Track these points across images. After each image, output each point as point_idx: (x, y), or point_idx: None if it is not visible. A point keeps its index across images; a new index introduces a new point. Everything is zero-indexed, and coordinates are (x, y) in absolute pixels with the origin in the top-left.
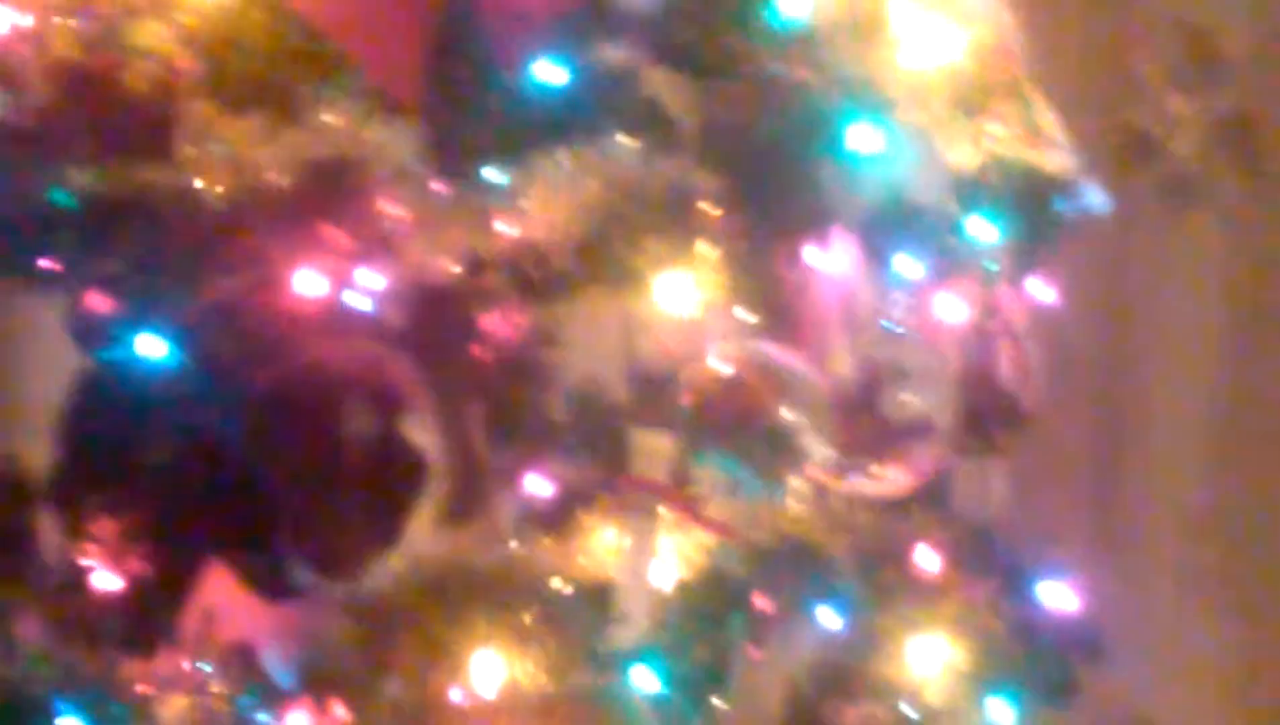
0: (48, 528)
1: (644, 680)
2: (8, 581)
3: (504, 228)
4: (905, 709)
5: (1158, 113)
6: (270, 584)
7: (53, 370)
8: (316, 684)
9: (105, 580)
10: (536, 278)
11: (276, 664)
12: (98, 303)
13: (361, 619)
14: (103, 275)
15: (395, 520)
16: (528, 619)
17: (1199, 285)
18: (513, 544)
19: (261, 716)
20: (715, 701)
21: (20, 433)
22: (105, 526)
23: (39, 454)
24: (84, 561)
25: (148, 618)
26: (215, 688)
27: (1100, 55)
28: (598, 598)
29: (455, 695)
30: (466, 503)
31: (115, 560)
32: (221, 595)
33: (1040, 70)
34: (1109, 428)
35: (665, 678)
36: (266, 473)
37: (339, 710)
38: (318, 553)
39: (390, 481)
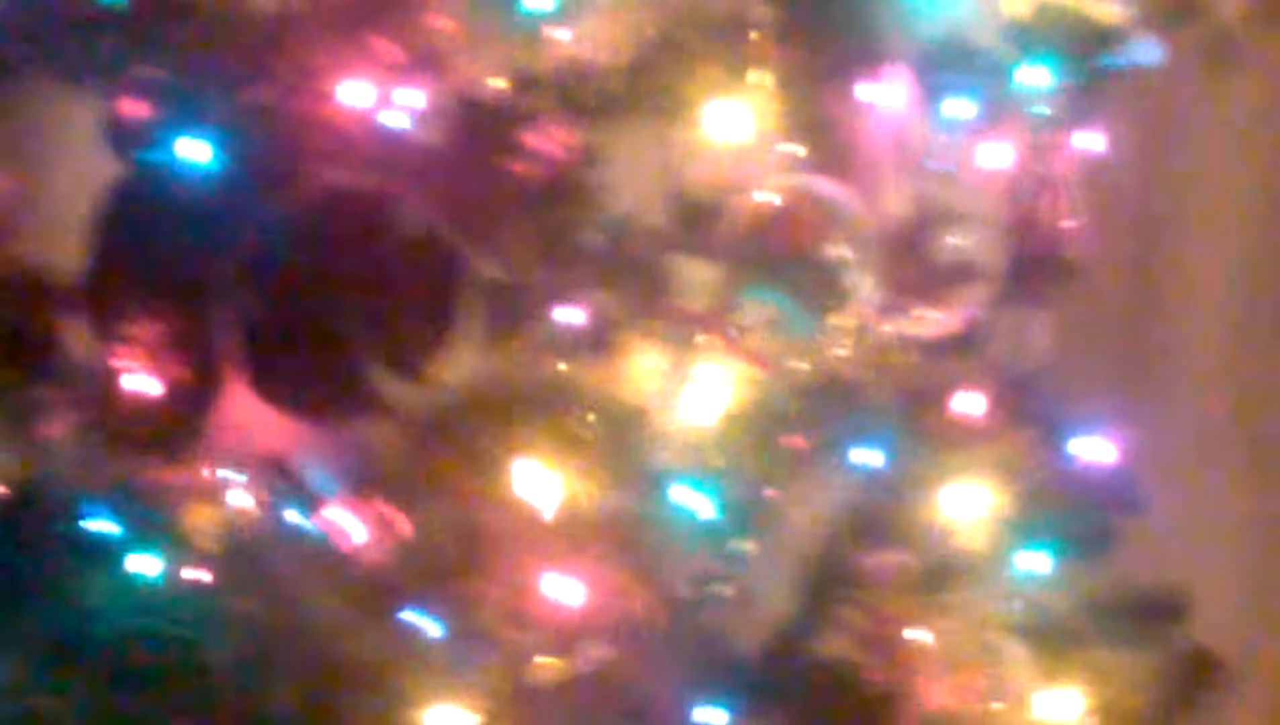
0: (77, 330)
1: (685, 501)
2: (35, 382)
3: (554, 46)
4: (936, 555)
5: None
6: (303, 395)
7: (85, 173)
8: (361, 488)
9: (138, 383)
10: (585, 98)
11: (315, 473)
12: (136, 106)
13: (408, 429)
14: (144, 79)
15: (444, 320)
16: (574, 433)
17: (1239, 145)
18: (554, 364)
19: (297, 519)
20: (746, 538)
21: (52, 236)
22: (142, 330)
23: (70, 257)
24: (117, 364)
25: (179, 423)
26: (246, 494)
27: None
28: (637, 420)
29: (501, 508)
30: (507, 322)
31: (150, 364)
32: (254, 406)
33: None
34: (1149, 280)
35: (707, 499)
36: (307, 279)
37: (388, 513)
38: (376, 350)
39: (434, 286)
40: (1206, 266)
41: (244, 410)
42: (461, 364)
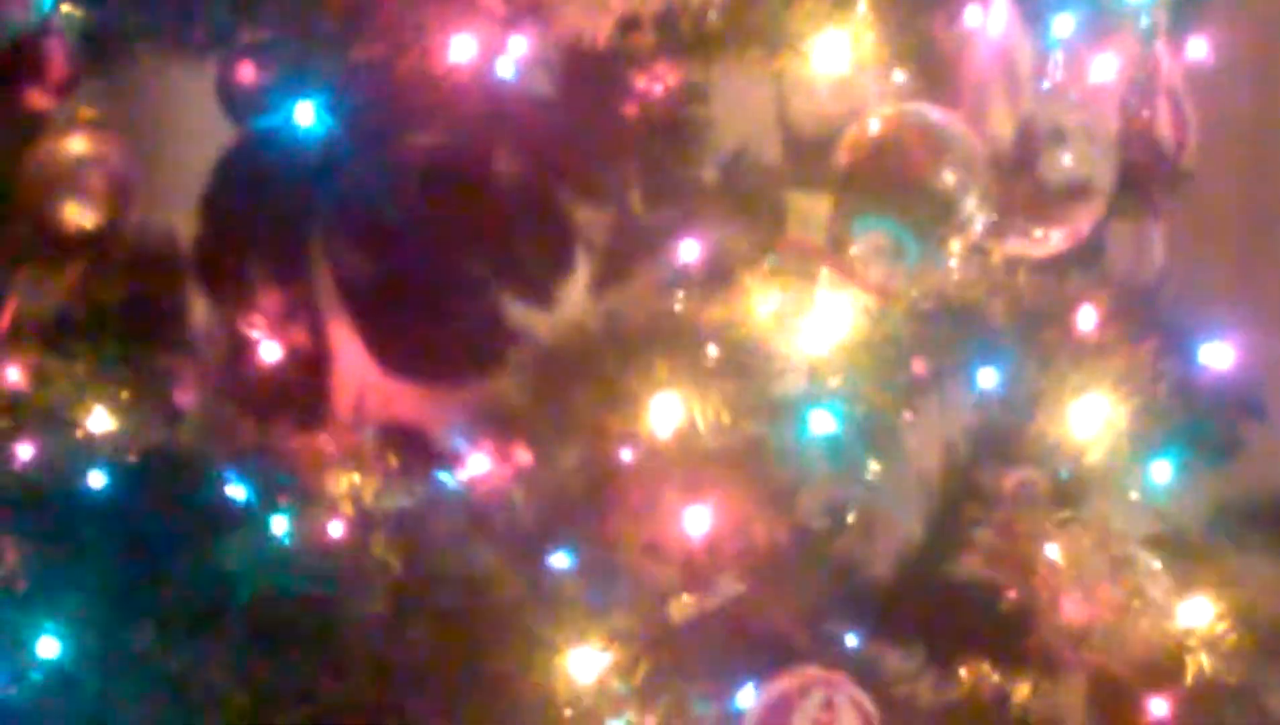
0: (201, 298)
1: (818, 427)
2: (162, 350)
3: None
4: (1064, 471)
5: None
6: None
7: (204, 141)
8: (496, 432)
9: (268, 351)
10: (690, 36)
11: (445, 428)
12: (248, 72)
13: (532, 372)
14: (254, 44)
15: (564, 250)
16: (704, 363)
17: None
18: (674, 299)
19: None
20: (873, 463)
21: (174, 205)
22: (261, 296)
23: (190, 226)
24: (240, 330)
25: (305, 388)
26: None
27: None
28: (762, 351)
29: (630, 443)
30: (626, 260)
31: (272, 330)
32: (378, 368)
33: None
34: (1264, 187)
35: (833, 424)
36: (424, 231)
37: (522, 454)
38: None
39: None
40: None
41: (366, 372)
42: (582, 303)
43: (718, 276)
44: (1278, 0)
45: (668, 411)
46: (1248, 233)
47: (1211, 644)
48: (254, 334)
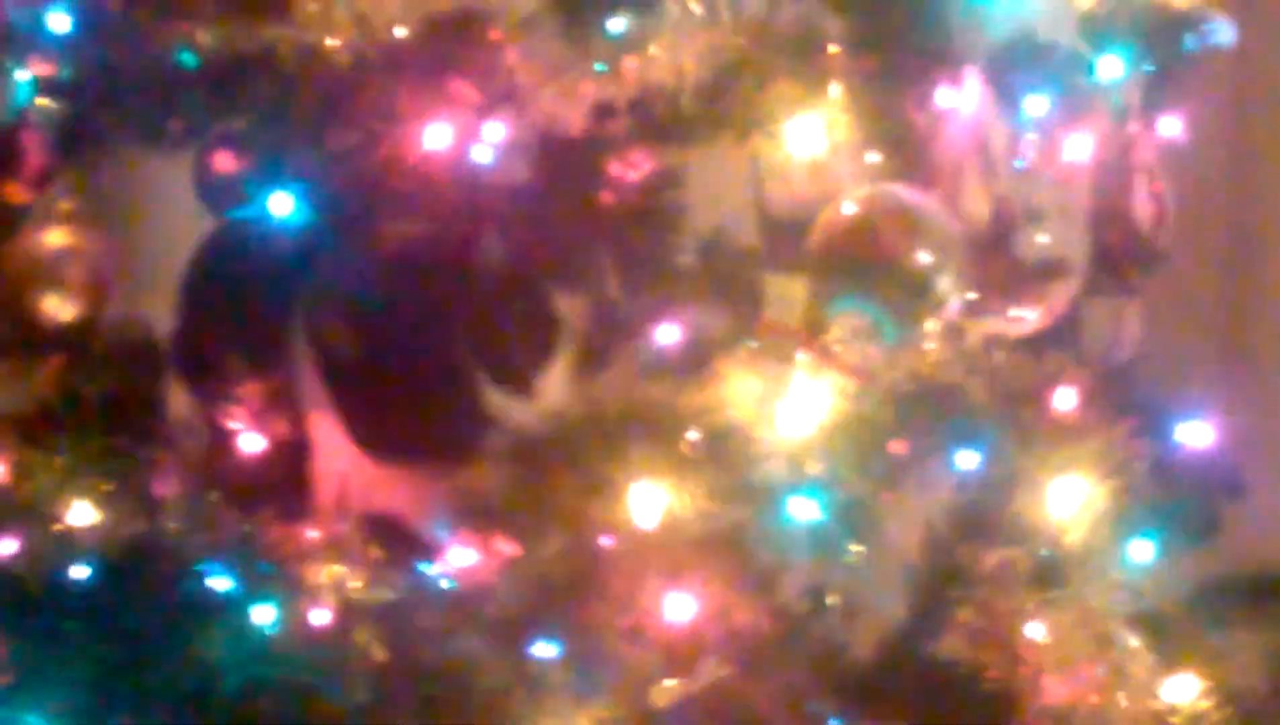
0: (179, 389)
1: (799, 512)
2: (142, 442)
3: (631, 73)
4: (1044, 551)
5: None
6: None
7: (182, 232)
8: (477, 523)
9: (249, 442)
10: (664, 123)
11: (426, 518)
12: (225, 162)
13: (513, 460)
14: (230, 134)
15: (544, 339)
16: (684, 450)
17: None
18: (653, 385)
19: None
20: (854, 546)
21: (152, 296)
22: (240, 387)
23: (169, 316)
24: (220, 421)
25: (286, 479)
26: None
27: None
28: (741, 437)
29: (611, 530)
30: (604, 346)
31: (252, 420)
32: (357, 457)
33: None
34: (1240, 264)
35: (820, 510)
36: (404, 319)
37: (503, 546)
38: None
39: (528, 315)
40: None
41: (347, 462)
42: (561, 390)
43: (696, 361)
44: (1251, 77)
45: (648, 498)
46: (1225, 311)
47: (1195, 721)
48: (234, 425)
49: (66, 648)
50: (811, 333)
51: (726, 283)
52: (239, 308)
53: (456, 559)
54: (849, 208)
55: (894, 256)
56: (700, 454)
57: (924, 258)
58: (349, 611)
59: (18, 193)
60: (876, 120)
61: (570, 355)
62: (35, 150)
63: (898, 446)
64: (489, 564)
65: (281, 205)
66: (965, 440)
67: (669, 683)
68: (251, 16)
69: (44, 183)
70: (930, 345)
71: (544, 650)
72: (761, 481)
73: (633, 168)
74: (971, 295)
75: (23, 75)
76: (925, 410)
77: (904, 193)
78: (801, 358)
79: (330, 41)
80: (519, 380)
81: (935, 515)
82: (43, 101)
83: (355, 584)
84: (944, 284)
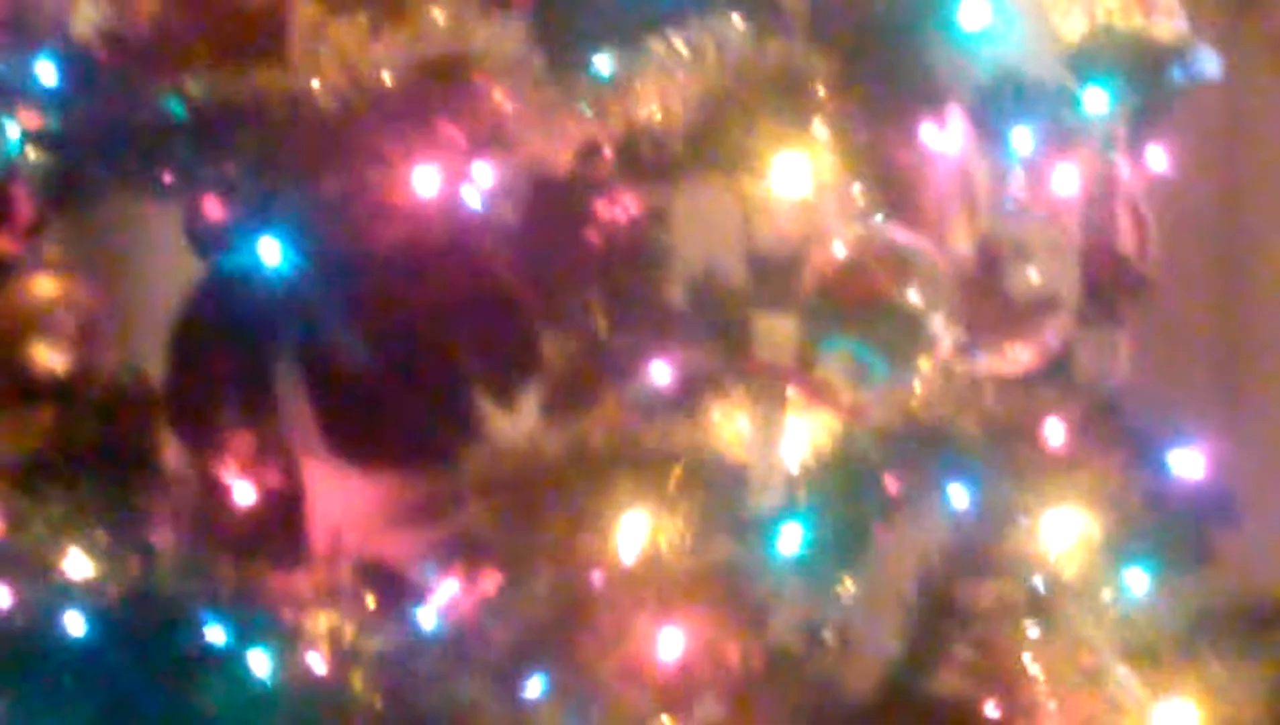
0: (171, 439)
1: (785, 547)
2: (134, 493)
3: (617, 115)
4: (1037, 584)
5: None
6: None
7: (173, 280)
8: (466, 562)
9: (242, 491)
10: (651, 163)
11: (416, 565)
12: (215, 210)
13: (505, 495)
14: (219, 182)
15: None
16: (671, 485)
17: None
18: (643, 424)
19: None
20: (848, 582)
21: (143, 345)
22: (241, 436)
23: (159, 364)
24: (212, 471)
25: (279, 528)
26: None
27: None
28: (732, 475)
29: (603, 567)
30: (590, 388)
31: (244, 470)
32: (348, 504)
33: None
34: (1229, 292)
35: (807, 546)
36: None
37: (492, 584)
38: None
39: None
40: None
41: (340, 508)
42: (552, 429)
43: (685, 400)
44: (1239, 108)
45: (636, 535)
46: (1215, 339)
47: None
48: (226, 473)
49: (61, 699)
50: (802, 371)
51: (715, 322)
52: (229, 355)
53: (446, 599)
54: (838, 247)
55: (884, 296)
56: (690, 489)
57: (914, 296)
58: (345, 659)
59: (7, 243)
60: (862, 158)
61: (555, 392)
62: (24, 201)
63: (890, 483)
64: (478, 603)
65: (271, 251)
66: (957, 475)
67: (662, 720)
68: (239, 64)
69: (33, 233)
70: (921, 383)
71: (535, 689)
72: (749, 519)
73: (620, 207)
74: (962, 333)
75: (11, 127)
76: (917, 447)
77: (892, 231)
78: (791, 396)
79: (317, 87)
80: (505, 391)
81: (929, 550)
82: (31, 153)
83: (350, 631)
84: (935, 322)
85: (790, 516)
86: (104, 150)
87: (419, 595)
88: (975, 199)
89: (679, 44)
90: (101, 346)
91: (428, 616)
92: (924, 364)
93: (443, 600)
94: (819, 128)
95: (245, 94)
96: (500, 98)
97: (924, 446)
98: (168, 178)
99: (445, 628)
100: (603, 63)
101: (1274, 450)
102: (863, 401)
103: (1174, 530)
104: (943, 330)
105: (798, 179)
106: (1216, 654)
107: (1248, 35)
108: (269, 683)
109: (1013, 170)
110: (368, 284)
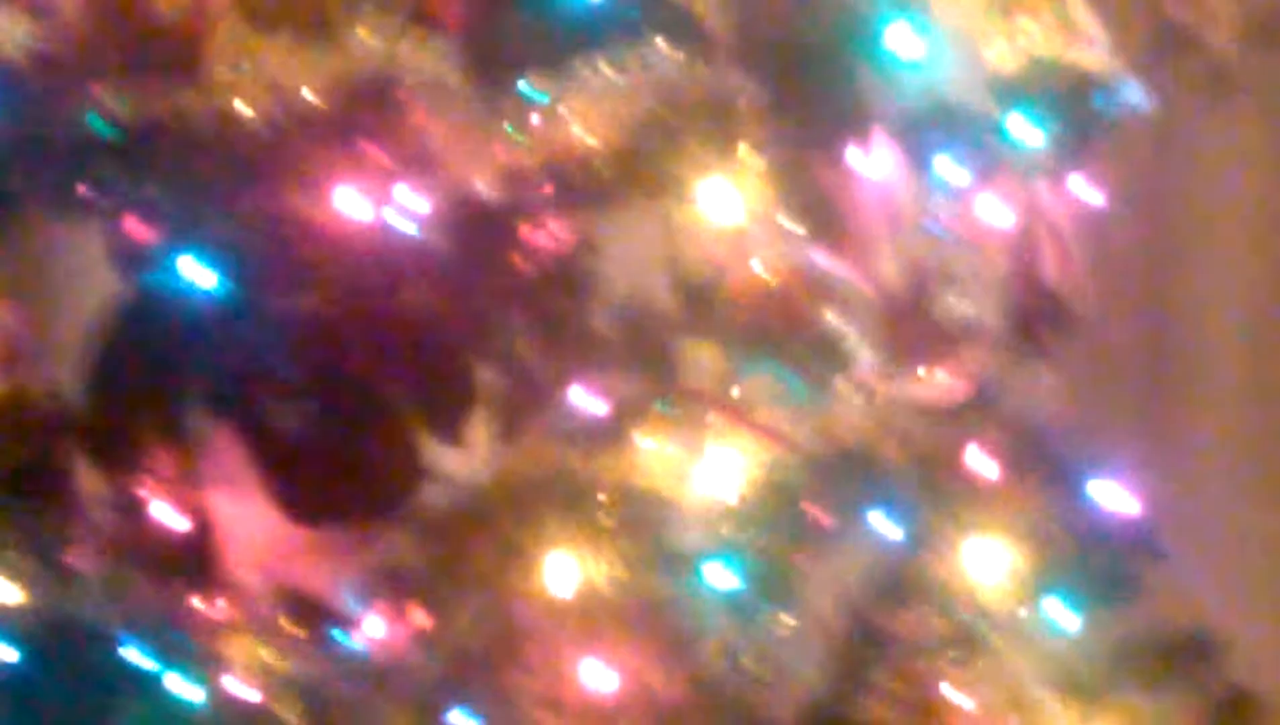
0: (90, 460)
1: (715, 580)
2: (55, 514)
3: (544, 138)
4: (962, 613)
5: (1193, 2)
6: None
7: (94, 300)
8: (392, 594)
9: (163, 514)
10: (578, 187)
11: (341, 594)
12: (137, 229)
13: (431, 527)
14: (141, 201)
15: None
16: (599, 520)
17: (1241, 178)
18: (567, 452)
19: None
20: (771, 611)
21: (61, 365)
22: (161, 459)
23: (79, 386)
24: (132, 493)
25: (201, 551)
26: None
27: None
28: (657, 504)
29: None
30: (517, 416)
31: (165, 492)
32: (272, 530)
33: None
34: (1155, 324)
35: (737, 577)
36: (314, 394)
37: (418, 616)
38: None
39: (439, 395)
40: (1216, 304)
41: (261, 533)
42: (477, 459)
43: (610, 427)
44: (1166, 132)
45: (563, 567)
46: (1141, 371)
47: None
48: (146, 496)
49: None
50: (724, 396)
51: (641, 347)
52: (149, 377)
53: (370, 629)
54: (758, 270)
55: (807, 321)
56: (614, 520)
57: (836, 322)
58: (268, 685)
59: None
60: (789, 183)
61: (488, 419)
62: None
63: (813, 511)
64: (405, 634)
65: (193, 271)
66: (880, 503)
67: None
68: (162, 81)
69: None
70: (845, 409)
71: (460, 720)
72: (676, 547)
73: (545, 232)
74: (885, 358)
75: None
76: (840, 474)
77: (816, 256)
78: (714, 421)
79: (241, 106)
80: (447, 426)
81: (853, 579)
82: None
83: (272, 656)
84: (857, 348)
85: (714, 550)
86: (24, 166)
87: (342, 623)
88: (901, 225)
89: (606, 68)
90: (22, 367)
91: (352, 644)
92: (846, 388)
93: (369, 631)
94: (745, 153)
95: (167, 112)
96: (425, 119)
97: (848, 474)
98: (89, 195)
99: (370, 655)
100: (530, 86)
101: (1199, 482)
102: (781, 423)
103: (1099, 561)
104: (864, 354)
105: (724, 204)
106: (1141, 685)
107: (1176, 68)
108: (190, 706)
109: (939, 198)
110: (291, 306)
